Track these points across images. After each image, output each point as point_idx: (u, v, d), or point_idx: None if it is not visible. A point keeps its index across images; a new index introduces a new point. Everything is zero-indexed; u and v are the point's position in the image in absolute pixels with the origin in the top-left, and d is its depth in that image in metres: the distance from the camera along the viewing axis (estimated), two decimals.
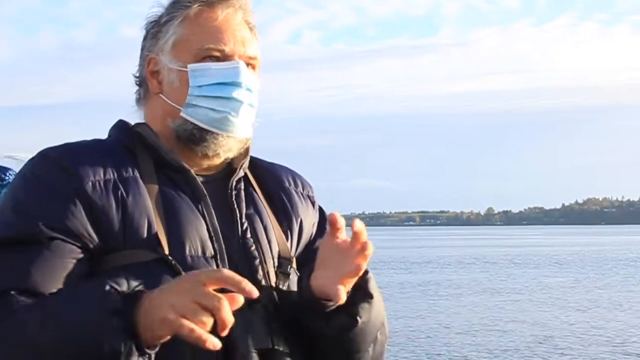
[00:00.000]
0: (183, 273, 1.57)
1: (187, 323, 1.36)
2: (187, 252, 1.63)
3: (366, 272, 1.67)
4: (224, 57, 1.73)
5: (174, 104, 1.73)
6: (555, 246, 74.41)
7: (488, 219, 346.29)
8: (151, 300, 1.43)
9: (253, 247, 1.72)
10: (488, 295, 27.49)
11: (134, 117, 1.81)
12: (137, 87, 1.82)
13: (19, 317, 1.49)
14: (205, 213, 1.69)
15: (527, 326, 20.02)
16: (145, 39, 1.79)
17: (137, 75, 1.81)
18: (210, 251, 1.66)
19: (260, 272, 1.71)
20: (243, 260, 1.70)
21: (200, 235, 1.66)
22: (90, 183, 1.61)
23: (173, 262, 1.60)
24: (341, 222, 1.62)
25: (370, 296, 1.68)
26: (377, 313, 1.70)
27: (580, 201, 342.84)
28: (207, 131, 1.71)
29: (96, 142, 1.73)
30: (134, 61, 1.83)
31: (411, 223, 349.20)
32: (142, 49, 1.79)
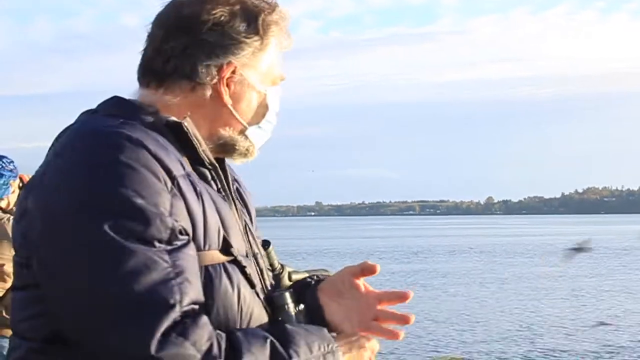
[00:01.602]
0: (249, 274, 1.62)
1: None
2: (239, 251, 1.62)
3: None
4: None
5: (242, 121, 1.71)
6: (551, 235, 74.44)
7: (488, 208, 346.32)
8: None
9: (254, 244, 1.73)
10: (476, 285, 27.56)
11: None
12: (176, 73, 1.66)
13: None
14: (233, 211, 1.68)
15: (508, 315, 20.09)
16: (218, 35, 1.65)
17: (192, 68, 1.65)
18: (245, 250, 1.65)
19: (264, 268, 1.72)
20: (252, 257, 1.69)
21: (240, 234, 1.65)
22: (177, 178, 1.51)
23: (244, 264, 1.59)
24: (376, 272, 1.72)
25: None
26: None
27: (580, 190, 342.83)
28: (253, 149, 1.76)
29: (136, 126, 1.56)
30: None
31: (411, 212, 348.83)
32: (215, 46, 1.65)
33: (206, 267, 1.52)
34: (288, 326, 1.57)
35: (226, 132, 1.70)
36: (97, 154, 1.46)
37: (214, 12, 1.65)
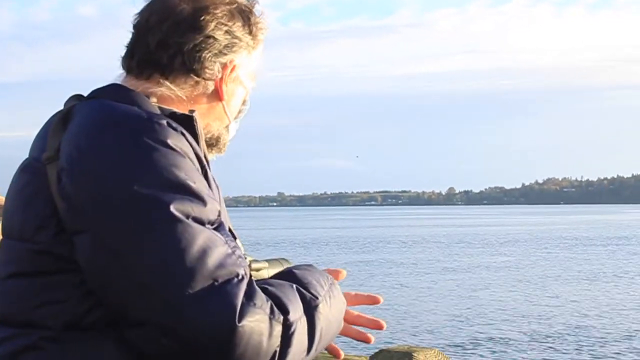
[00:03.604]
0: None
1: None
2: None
3: None
4: None
5: (230, 117, 1.78)
6: (511, 225, 75.36)
7: (449, 198, 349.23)
8: None
9: None
10: (430, 275, 27.99)
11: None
12: (179, 66, 1.69)
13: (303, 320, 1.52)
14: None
15: (458, 303, 20.55)
16: (224, 33, 1.72)
17: (200, 64, 1.69)
18: None
19: None
20: None
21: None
22: (205, 166, 1.58)
23: (245, 256, 1.62)
24: (342, 277, 1.76)
25: None
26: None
27: (540, 181, 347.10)
28: (226, 145, 1.81)
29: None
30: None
31: (373, 203, 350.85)
32: (222, 44, 1.71)
33: None
34: (296, 270, 1.63)
35: (216, 126, 1.76)
36: (146, 138, 1.49)
37: (216, 10, 1.70)
